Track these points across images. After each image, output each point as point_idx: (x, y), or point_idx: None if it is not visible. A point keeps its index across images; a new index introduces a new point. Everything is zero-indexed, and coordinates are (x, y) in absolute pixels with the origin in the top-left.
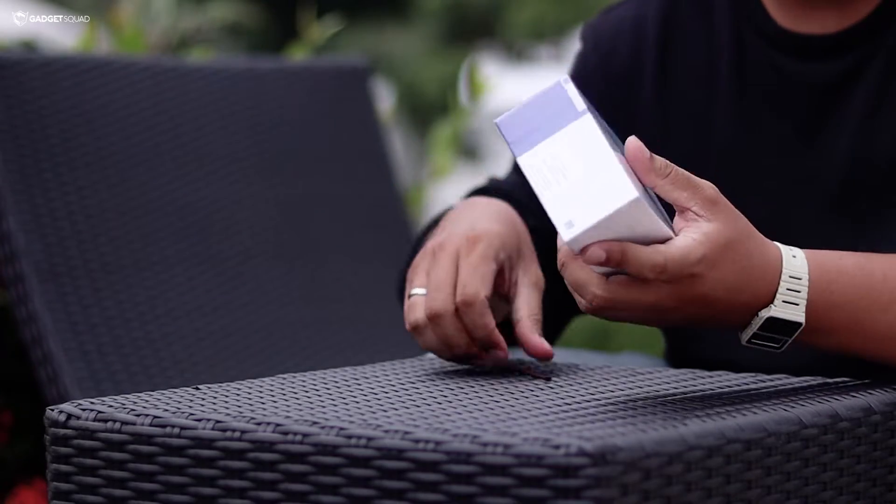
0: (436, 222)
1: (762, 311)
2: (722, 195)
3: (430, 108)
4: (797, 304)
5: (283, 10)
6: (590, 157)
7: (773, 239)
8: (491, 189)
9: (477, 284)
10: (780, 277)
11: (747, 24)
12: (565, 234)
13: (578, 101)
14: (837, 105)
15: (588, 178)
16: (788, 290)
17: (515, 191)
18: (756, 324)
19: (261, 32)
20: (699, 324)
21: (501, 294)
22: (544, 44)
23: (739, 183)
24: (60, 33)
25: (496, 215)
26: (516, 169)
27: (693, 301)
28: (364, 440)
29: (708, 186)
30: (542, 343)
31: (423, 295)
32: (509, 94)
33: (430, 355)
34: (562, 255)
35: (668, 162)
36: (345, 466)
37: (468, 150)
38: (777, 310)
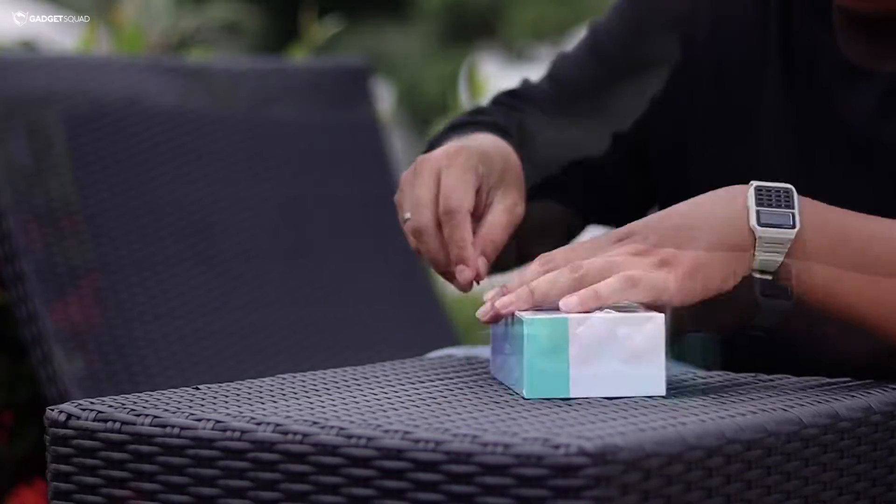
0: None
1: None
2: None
3: (430, 108)
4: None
5: (283, 10)
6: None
7: (793, 185)
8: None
9: (460, 195)
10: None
11: None
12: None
13: None
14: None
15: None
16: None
17: (538, 106)
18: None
19: (261, 32)
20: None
21: (474, 215)
22: (544, 44)
23: (770, 125)
24: (60, 33)
25: (485, 138)
26: (549, 77)
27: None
28: (364, 440)
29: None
30: (474, 260)
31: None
32: None
33: (431, 355)
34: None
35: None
36: (345, 466)
37: None
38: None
